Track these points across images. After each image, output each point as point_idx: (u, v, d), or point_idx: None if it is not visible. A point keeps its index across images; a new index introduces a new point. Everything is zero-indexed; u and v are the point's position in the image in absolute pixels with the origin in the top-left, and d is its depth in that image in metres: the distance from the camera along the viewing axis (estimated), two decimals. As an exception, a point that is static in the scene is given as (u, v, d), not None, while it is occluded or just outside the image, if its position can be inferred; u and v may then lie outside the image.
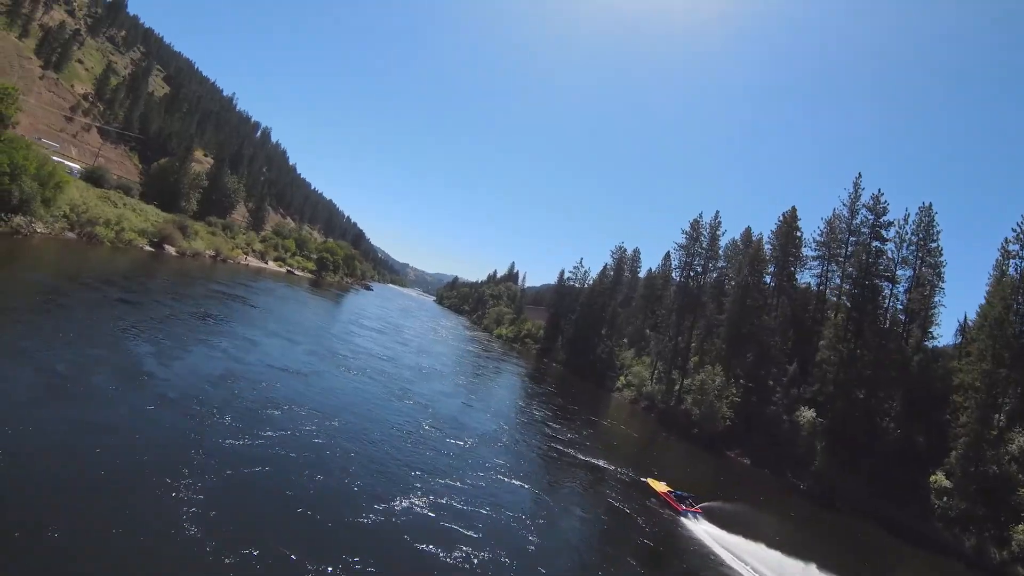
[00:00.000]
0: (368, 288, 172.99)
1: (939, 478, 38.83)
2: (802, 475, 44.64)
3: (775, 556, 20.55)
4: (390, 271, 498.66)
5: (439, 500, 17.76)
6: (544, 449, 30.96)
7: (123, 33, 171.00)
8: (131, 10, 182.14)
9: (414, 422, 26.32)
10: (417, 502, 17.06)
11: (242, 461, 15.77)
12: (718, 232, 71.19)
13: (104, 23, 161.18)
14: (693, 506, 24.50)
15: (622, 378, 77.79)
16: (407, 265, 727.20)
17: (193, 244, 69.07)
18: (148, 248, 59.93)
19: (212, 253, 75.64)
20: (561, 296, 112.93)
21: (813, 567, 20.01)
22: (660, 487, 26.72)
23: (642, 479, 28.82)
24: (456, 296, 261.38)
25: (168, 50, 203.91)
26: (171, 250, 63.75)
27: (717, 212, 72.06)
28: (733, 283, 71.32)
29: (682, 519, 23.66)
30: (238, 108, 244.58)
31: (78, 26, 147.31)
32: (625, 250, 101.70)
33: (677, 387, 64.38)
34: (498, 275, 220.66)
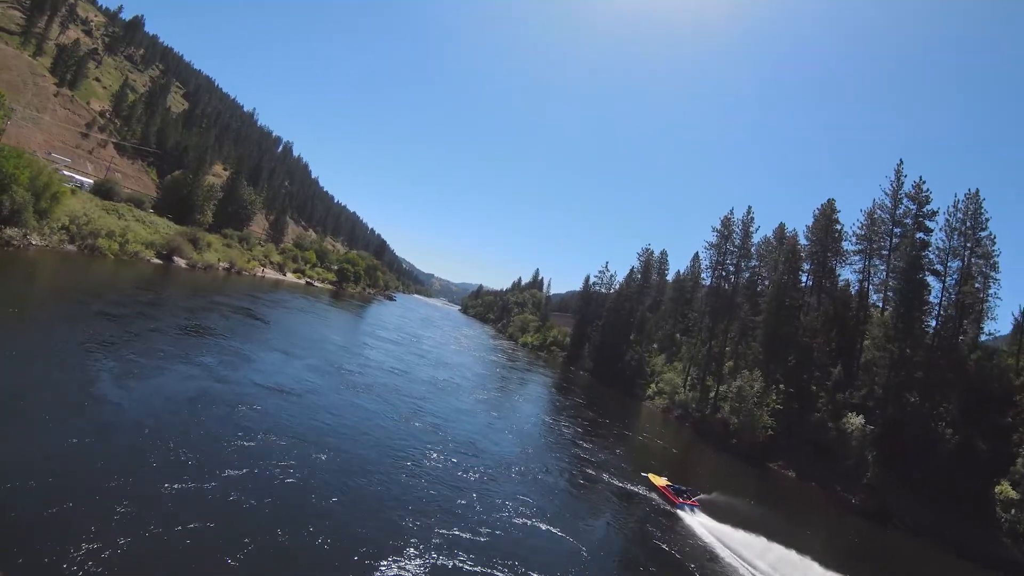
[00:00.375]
0: (391, 299, 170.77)
1: (1005, 488, 34.43)
2: (853, 488, 39.51)
3: (762, 543, 20.58)
4: (415, 282, 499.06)
5: (442, 560, 13.83)
6: (574, 475, 26.78)
7: (141, 51, 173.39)
8: (151, 29, 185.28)
9: (421, 450, 22.43)
10: (412, 565, 13.17)
11: (183, 511, 12.10)
12: (751, 228, 66.17)
13: (122, 42, 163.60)
14: (689, 499, 24.88)
15: (652, 386, 72.96)
16: (432, 275, 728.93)
17: (205, 256, 66.93)
18: (156, 261, 57.78)
19: (226, 265, 73.56)
20: (587, 302, 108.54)
21: (805, 558, 19.89)
22: (660, 481, 27.08)
23: (643, 473, 29.01)
24: (481, 305, 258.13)
25: (188, 68, 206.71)
26: (181, 263, 61.57)
27: (749, 208, 67.01)
28: (767, 282, 66.29)
29: (679, 511, 24.08)
30: (259, 123, 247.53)
31: (95, 45, 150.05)
32: (652, 252, 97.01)
33: (712, 394, 59.50)
34: (522, 283, 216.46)
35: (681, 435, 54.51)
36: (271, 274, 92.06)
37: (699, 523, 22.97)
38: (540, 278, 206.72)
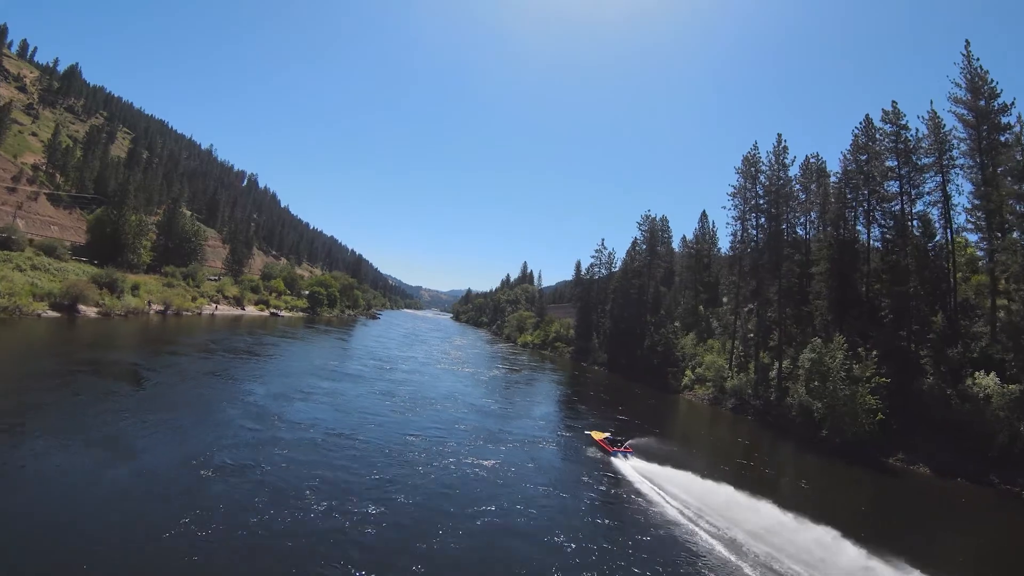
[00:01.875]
0: (374, 318, 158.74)
1: None
2: (1016, 474, 28.34)
3: (685, 477, 22.40)
4: (403, 296, 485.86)
5: None
6: (626, 517, 15.45)
7: (82, 102, 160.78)
8: (102, 81, 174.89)
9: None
10: None
11: None
12: (784, 160, 54.55)
13: (59, 94, 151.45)
14: (622, 446, 26.43)
15: (689, 372, 61.69)
16: (420, 288, 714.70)
17: (124, 301, 54.62)
18: (51, 314, 45.68)
19: (159, 308, 61.44)
20: (587, 287, 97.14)
21: (726, 486, 21.09)
22: (598, 436, 28.38)
23: (586, 432, 30.29)
24: (472, 309, 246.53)
25: (137, 113, 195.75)
26: (89, 312, 49.48)
27: (780, 136, 55.27)
28: (814, 225, 55.29)
29: (612, 459, 25.46)
30: (219, 159, 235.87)
31: (30, 100, 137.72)
32: (654, 218, 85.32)
33: (773, 374, 48.16)
34: (511, 279, 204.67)
35: (743, 431, 43.38)
36: (226, 310, 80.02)
37: (631, 466, 24.50)
38: (529, 271, 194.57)
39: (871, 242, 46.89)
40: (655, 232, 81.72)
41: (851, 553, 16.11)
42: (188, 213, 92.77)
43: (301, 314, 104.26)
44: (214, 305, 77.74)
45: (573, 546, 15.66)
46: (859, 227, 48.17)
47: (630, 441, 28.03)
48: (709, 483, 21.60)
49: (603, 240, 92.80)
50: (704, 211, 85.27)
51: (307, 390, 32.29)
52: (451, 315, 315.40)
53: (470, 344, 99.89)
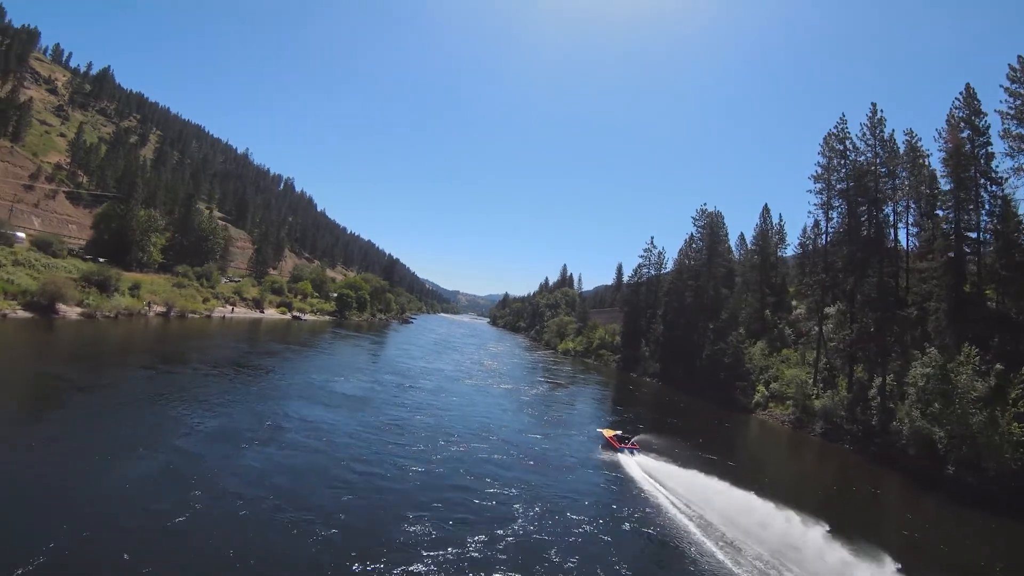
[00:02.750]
0: (407, 322, 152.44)
1: None
2: None
3: (686, 474, 22.61)
4: (441, 301, 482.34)
5: None
6: None
7: (114, 105, 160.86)
8: (140, 87, 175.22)
9: None
10: None
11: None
12: (882, 133, 44.44)
13: (91, 97, 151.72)
14: (628, 443, 27.16)
15: (761, 387, 51.87)
16: (457, 292, 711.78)
17: (114, 301, 48.50)
18: (23, 314, 39.67)
19: (161, 309, 55.48)
20: (634, 290, 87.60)
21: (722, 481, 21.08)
22: (608, 433, 29.00)
23: (597, 430, 31.00)
24: (509, 314, 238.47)
25: (172, 117, 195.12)
26: (69, 312, 43.34)
27: (875, 106, 45.11)
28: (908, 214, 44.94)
29: (619, 455, 26.11)
30: (255, 163, 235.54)
31: (60, 102, 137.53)
32: (711, 212, 74.97)
33: (873, 394, 38.14)
34: (550, 283, 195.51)
35: (836, 464, 34.21)
36: (243, 313, 74.06)
37: (635, 462, 25.05)
38: (569, 275, 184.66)
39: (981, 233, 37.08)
40: (714, 228, 71.48)
41: None
42: (206, 210, 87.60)
43: (327, 318, 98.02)
44: (229, 307, 71.75)
45: None
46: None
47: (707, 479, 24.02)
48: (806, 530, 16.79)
49: (652, 239, 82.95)
50: (766, 205, 74.38)
51: (278, 424, 23.50)
52: (488, 320, 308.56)
53: (507, 352, 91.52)
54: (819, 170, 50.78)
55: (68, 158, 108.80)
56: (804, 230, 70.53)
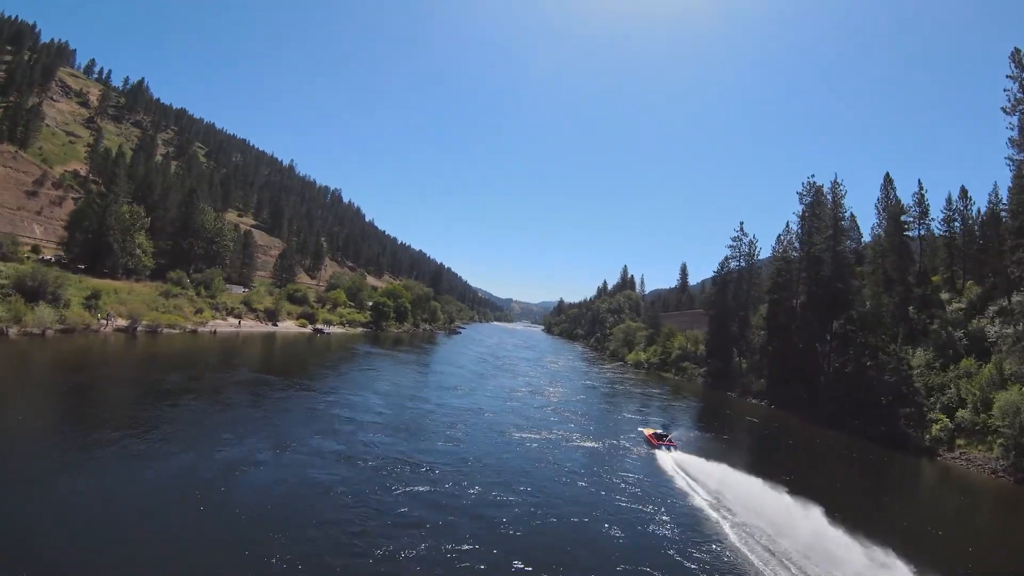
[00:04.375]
0: (455, 332, 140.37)
1: None
2: None
3: (719, 468, 22.67)
4: (494, 309, 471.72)
5: None
6: None
7: (150, 118, 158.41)
8: (179, 102, 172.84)
9: None
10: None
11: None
12: None
13: (125, 109, 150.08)
14: (664, 441, 27.96)
15: (941, 417, 35.68)
16: (510, 300, 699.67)
17: (41, 313, 37.11)
18: None
19: (123, 323, 44.54)
20: (722, 288, 71.39)
21: (758, 480, 20.71)
22: (648, 432, 29.81)
23: (639, 428, 31.57)
24: (565, 321, 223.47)
25: (217, 132, 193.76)
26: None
27: None
28: None
29: (656, 451, 26.87)
30: (300, 173, 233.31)
31: (92, 114, 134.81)
32: (820, 187, 57.23)
33: None
34: (609, 286, 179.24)
35: None
36: (252, 326, 63.04)
37: (671, 457, 25.74)
38: (630, 276, 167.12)
39: None
40: (836, 198, 54.34)
41: None
42: (214, 211, 77.73)
43: (360, 330, 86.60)
44: (235, 320, 61.00)
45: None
46: None
47: None
48: None
49: (742, 224, 65.26)
50: (887, 173, 56.86)
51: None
52: (542, 327, 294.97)
53: (568, 368, 76.35)
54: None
55: (87, 166, 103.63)
56: (949, 200, 53.08)
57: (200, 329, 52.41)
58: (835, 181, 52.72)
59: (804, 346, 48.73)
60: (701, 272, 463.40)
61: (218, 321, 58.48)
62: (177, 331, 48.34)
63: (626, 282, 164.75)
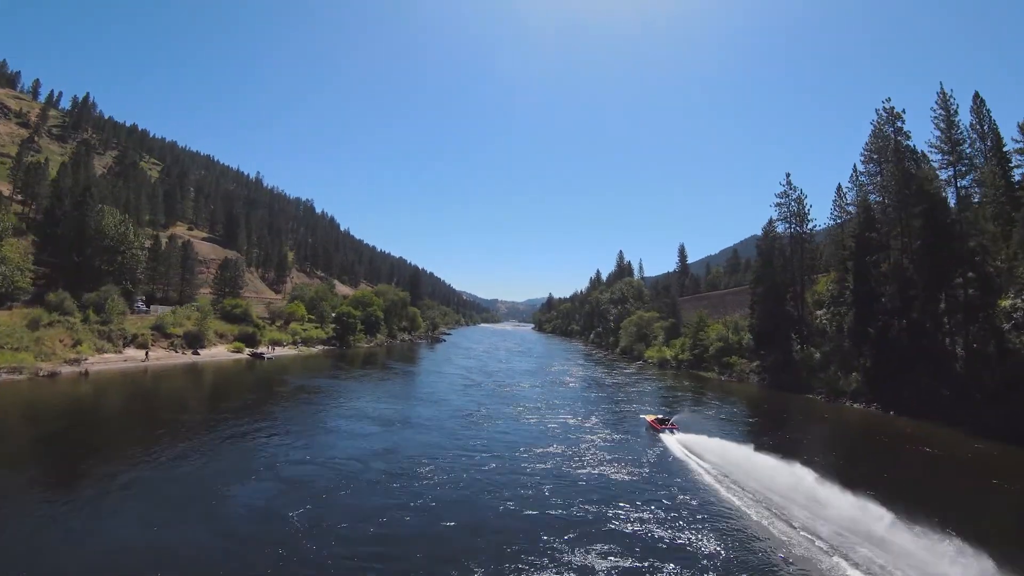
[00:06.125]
0: (438, 340, 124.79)
1: None
2: None
3: (717, 443, 24.34)
4: (479, 311, 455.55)
5: None
6: None
7: (98, 136, 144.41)
8: (143, 123, 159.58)
9: None
10: None
11: None
12: None
13: (71, 129, 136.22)
14: (667, 424, 28.34)
15: None
16: (496, 300, 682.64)
17: None
18: None
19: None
20: (767, 258, 56.76)
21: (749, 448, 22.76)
22: (650, 418, 29.93)
23: (641, 415, 31.82)
24: (557, 317, 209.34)
25: (177, 148, 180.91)
26: None
27: None
28: None
29: (660, 435, 27.30)
30: (267, 185, 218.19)
31: (30, 134, 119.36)
32: (901, 113, 42.28)
33: None
34: (604, 276, 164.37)
35: None
36: (162, 357, 47.03)
37: (675, 439, 26.47)
38: (627, 262, 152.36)
39: None
40: (949, 113, 39.44)
41: None
42: (119, 215, 60.98)
43: (319, 349, 70.80)
44: (142, 351, 45.13)
45: None
46: None
47: None
48: None
49: (788, 176, 49.51)
50: (977, 92, 42.35)
51: None
52: (532, 325, 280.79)
53: (580, 374, 60.87)
54: None
55: (9, 187, 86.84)
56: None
57: (65, 370, 36.34)
58: (942, 92, 37.88)
59: (929, 323, 34.04)
60: (700, 251, 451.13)
61: (108, 355, 42.46)
62: (22, 376, 32.50)
63: (623, 268, 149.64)
